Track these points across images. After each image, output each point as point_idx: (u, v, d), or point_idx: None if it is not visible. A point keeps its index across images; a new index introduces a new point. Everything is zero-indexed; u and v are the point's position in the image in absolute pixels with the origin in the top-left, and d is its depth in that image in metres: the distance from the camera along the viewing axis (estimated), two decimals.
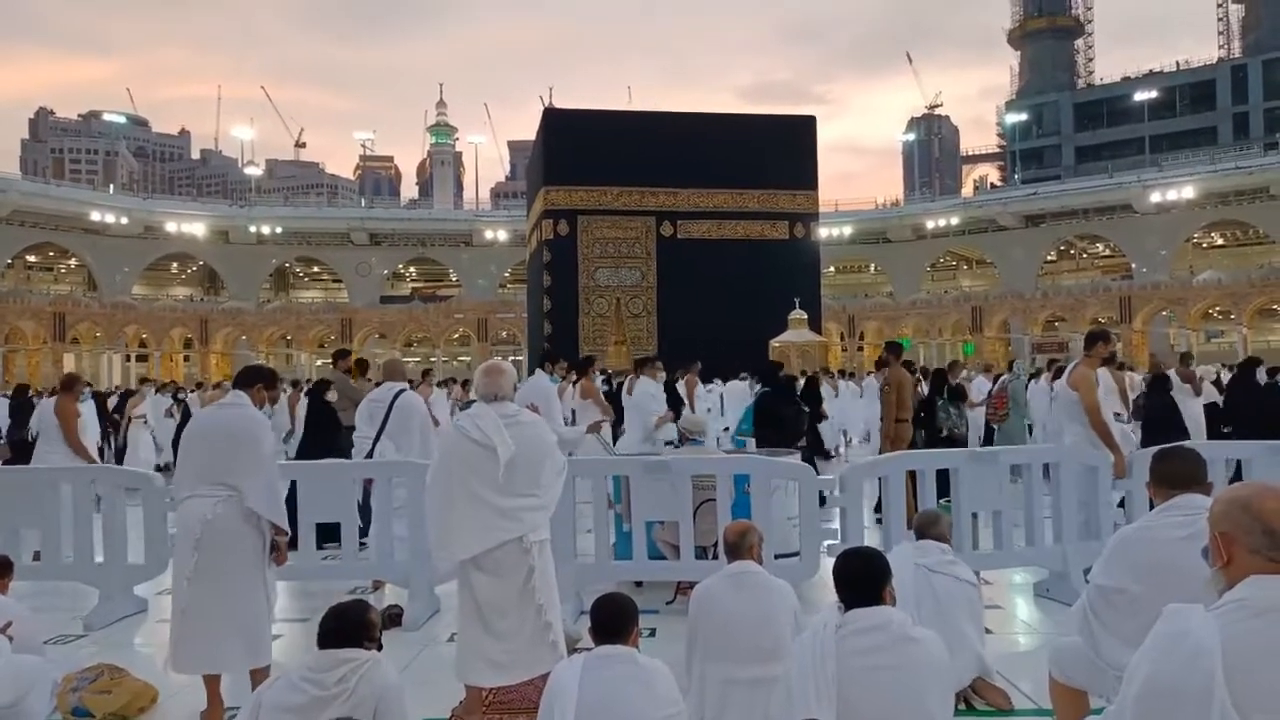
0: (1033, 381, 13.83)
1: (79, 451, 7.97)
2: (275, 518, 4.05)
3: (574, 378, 10.10)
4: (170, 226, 55.75)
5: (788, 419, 8.85)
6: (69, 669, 4.16)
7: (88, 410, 9.63)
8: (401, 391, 6.72)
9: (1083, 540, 5.78)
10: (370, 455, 6.46)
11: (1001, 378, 12.28)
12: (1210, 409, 10.91)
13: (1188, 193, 50.35)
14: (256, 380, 4.32)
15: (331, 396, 8.27)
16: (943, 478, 5.85)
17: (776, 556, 5.23)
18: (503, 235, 57.57)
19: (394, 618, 5.45)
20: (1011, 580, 6.44)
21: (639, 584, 5.86)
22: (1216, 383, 13.32)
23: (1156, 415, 8.95)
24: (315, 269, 64.23)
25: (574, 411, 9.74)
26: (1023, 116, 77.70)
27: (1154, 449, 3.23)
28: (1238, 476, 5.95)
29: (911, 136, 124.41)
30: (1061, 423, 6.42)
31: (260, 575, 4.02)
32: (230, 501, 3.95)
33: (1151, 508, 3.02)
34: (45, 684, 3.61)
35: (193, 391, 19.80)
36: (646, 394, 9.42)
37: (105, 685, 4.05)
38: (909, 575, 3.95)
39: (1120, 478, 5.87)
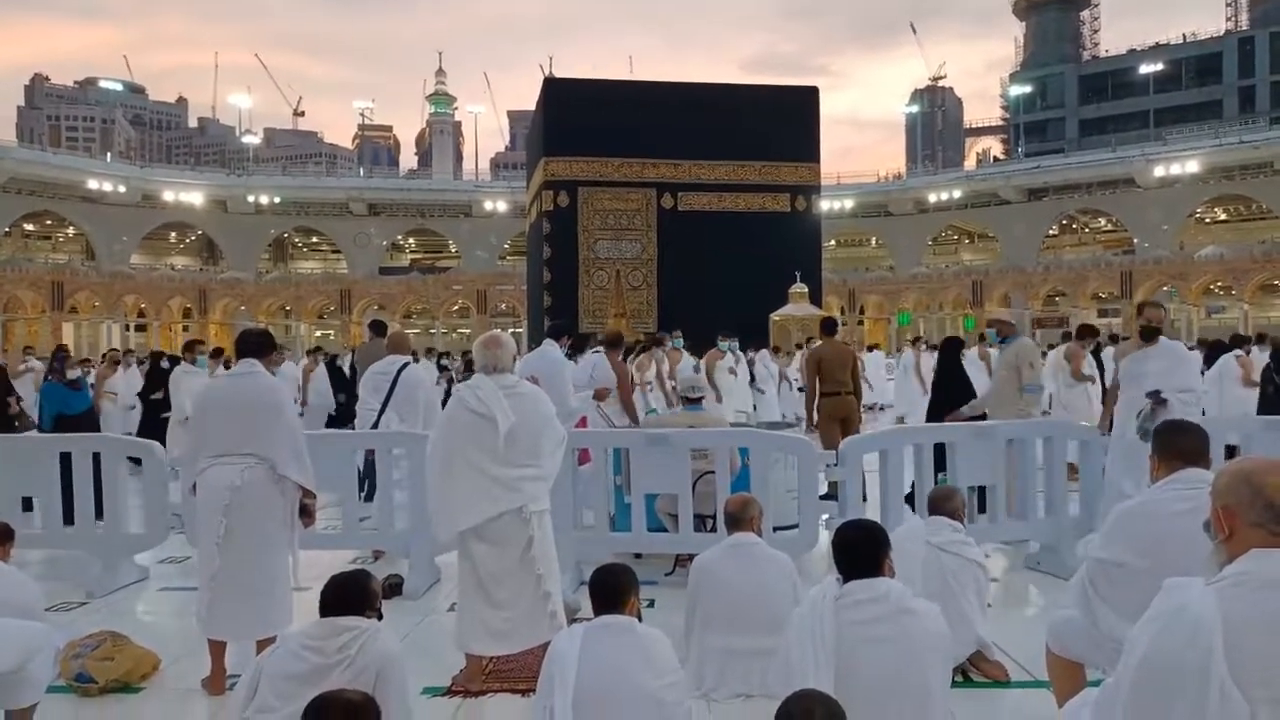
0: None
1: None
2: (306, 481, 4.13)
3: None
4: (168, 195, 55.46)
5: None
6: (71, 636, 4.18)
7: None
8: (406, 365, 6.88)
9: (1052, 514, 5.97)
10: (375, 426, 6.58)
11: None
12: None
13: (1191, 167, 50.05)
14: (267, 349, 4.38)
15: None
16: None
17: (775, 529, 5.25)
18: (502, 206, 57.26)
19: (394, 587, 5.48)
20: (1004, 551, 6.47)
21: (638, 555, 5.89)
22: None
23: None
24: (314, 239, 63.96)
25: None
26: (1027, 89, 76.94)
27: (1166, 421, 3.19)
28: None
29: (915, 109, 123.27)
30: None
31: (286, 540, 4.11)
32: (257, 468, 4.00)
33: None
34: (48, 650, 3.63)
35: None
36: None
37: (108, 652, 4.07)
38: (920, 551, 3.97)
39: (1105, 433, 6.03)
